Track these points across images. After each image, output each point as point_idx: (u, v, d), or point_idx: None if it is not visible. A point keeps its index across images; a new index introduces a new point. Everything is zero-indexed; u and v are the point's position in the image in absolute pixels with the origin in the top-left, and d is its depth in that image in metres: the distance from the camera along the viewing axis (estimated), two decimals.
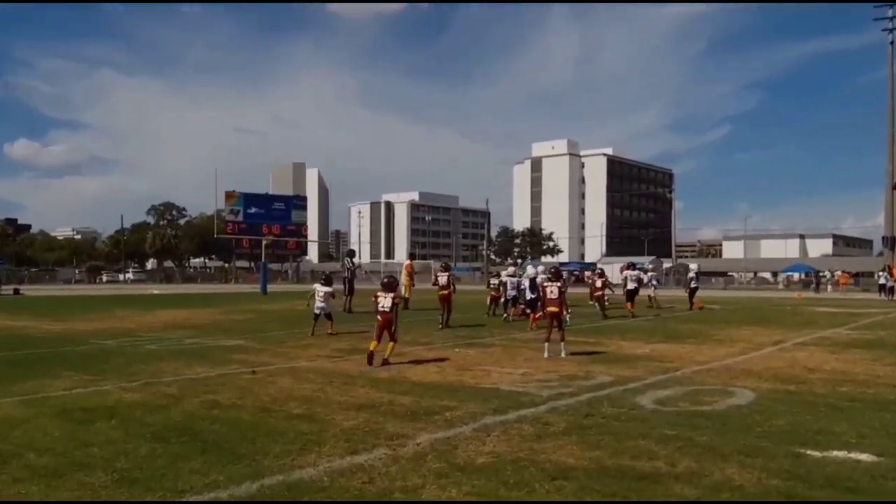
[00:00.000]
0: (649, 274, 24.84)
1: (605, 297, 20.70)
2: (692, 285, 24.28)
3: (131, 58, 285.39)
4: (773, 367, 10.09)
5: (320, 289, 14.75)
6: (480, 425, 6.32)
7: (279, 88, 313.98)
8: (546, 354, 10.98)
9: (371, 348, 10.27)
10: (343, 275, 22.29)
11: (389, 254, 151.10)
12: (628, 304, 20.93)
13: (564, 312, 11.65)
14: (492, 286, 21.81)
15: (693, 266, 27.01)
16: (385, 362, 10.12)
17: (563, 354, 10.98)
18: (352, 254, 24.55)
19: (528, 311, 17.80)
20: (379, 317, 10.41)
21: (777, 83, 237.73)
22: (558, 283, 11.52)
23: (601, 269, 24.23)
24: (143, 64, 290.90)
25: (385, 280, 10.96)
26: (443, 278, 17.10)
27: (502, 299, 19.96)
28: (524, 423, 6.38)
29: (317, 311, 14.59)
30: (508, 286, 19.05)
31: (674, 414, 6.80)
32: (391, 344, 10.37)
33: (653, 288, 24.60)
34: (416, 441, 5.77)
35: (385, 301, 10.34)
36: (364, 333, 14.80)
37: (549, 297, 11.47)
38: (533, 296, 17.10)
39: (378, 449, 5.56)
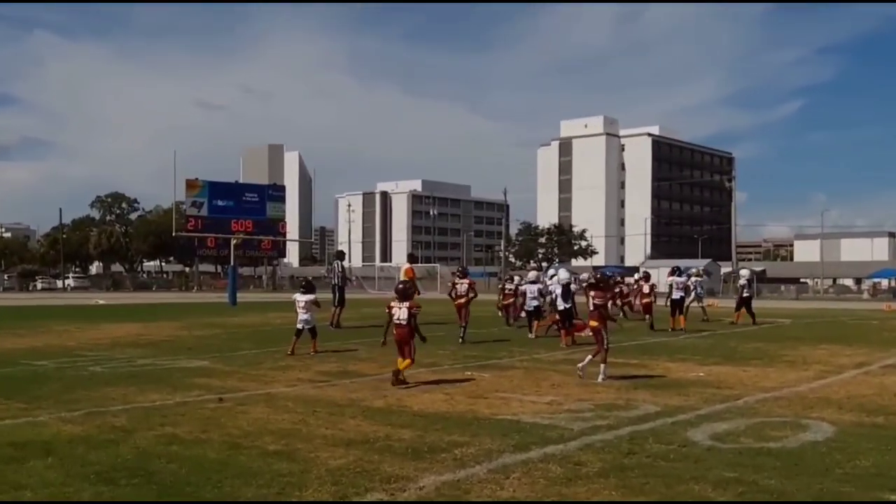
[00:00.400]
0: (692, 279, 24.81)
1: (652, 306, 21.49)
2: (744, 294, 24.46)
3: (70, 18, 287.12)
4: (856, 394, 10.06)
5: (300, 298, 14.78)
6: (497, 465, 6.32)
7: (249, 55, 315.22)
8: (580, 366, 11.15)
9: (400, 367, 10.74)
10: (332, 282, 22.30)
11: (386, 255, 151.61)
12: (672, 318, 21.09)
13: (604, 329, 11.69)
14: (506, 290, 22.27)
15: (744, 272, 27.19)
16: (399, 380, 10.58)
17: (599, 378, 11.01)
18: (341, 256, 24.60)
19: (557, 325, 17.87)
20: (395, 331, 10.90)
21: (860, 46, 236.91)
22: (593, 293, 11.76)
23: (646, 273, 24.53)
24: (84, 25, 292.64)
25: (400, 287, 11.55)
26: (462, 286, 17.61)
27: (521, 309, 20.38)
28: (551, 463, 6.37)
29: (300, 326, 14.63)
30: (528, 294, 19.11)
31: (734, 452, 6.79)
32: (406, 361, 10.80)
33: (695, 296, 24.62)
34: (419, 484, 5.78)
35: (401, 312, 10.70)
36: (354, 352, 14.87)
37: (589, 309, 11.86)
38: (567, 305, 17.15)
39: (372, 493, 5.56)
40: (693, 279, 25.02)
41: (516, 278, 23.99)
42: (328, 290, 21.99)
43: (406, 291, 11.16)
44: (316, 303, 14.92)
